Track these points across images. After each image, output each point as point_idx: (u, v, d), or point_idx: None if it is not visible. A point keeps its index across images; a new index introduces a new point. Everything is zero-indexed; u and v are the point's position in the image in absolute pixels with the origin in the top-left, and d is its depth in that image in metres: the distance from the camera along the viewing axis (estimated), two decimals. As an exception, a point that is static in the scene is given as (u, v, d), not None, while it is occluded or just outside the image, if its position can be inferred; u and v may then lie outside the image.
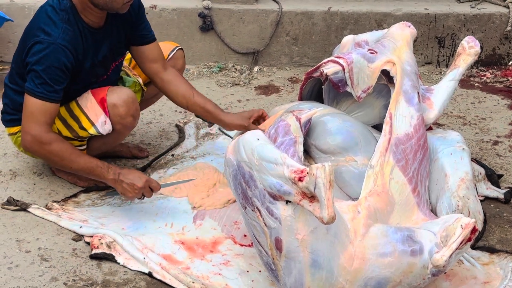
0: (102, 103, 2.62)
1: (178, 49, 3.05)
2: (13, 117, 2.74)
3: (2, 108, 2.80)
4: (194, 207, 2.69)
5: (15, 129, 2.75)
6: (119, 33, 2.71)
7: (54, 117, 2.56)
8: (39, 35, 2.48)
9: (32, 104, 2.49)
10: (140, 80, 2.98)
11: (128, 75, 2.96)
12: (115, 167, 2.56)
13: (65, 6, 2.52)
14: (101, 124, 2.64)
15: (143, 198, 2.56)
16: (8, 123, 2.79)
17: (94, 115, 2.63)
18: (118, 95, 2.64)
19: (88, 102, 2.63)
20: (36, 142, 2.50)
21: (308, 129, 2.50)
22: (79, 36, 2.55)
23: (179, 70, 2.97)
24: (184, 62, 3.10)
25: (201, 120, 3.50)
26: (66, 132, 2.66)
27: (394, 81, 2.59)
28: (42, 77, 2.46)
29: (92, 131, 2.65)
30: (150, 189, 2.54)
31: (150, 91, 3.05)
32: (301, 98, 2.91)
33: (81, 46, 2.55)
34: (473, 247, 2.50)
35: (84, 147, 2.74)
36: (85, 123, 2.64)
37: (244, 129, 2.64)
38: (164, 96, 2.99)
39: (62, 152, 2.51)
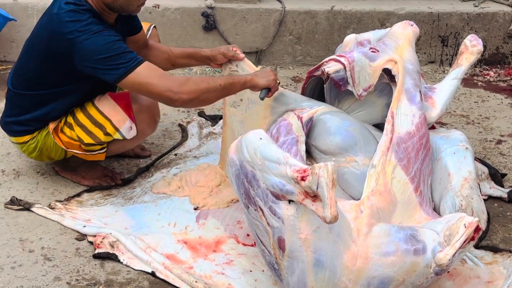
0: (127, 109, 2.65)
1: (153, 27, 3.16)
2: (26, 129, 2.70)
3: (7, 117, 2.74)
4: (197, 207, 2.68)
5: (26, 137, 2.72)
6: (123, 29, 2.75)
7: (159, 67, 2.46)
8: (75, 35, 2.40)
9: (137, 76, 2.38)
10: None
11: None
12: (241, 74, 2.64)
13: (87, 7, 2.49)
14: (127, 129, 2.66)
15: (279, 84, 2.58)
16: (16, 133, 2.73)
17: (118, 121, 2.65)
18: (142, 101, 2.68)
19: (111, 109, 2.65)
20: (179, 89, 2.37)
21: (309, 128, 2.50)
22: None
23: None
24: (159, 39, 3.23)
25: (204, 119, 3.51)
26: (88, 139, 2.65)
27: (396, 80, 2.59)
28: (114, 56, 2.38)
29: (116, 136, 2.67)
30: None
31: None
32: (303, 98, 2.91)
33: None
34: (477, 246, 2.50)
35: (105, 149, 2.74)
36: (109, 129, 2.65)
37: (228, 56, 2.76)
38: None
39: (202, 78, 2.51)
